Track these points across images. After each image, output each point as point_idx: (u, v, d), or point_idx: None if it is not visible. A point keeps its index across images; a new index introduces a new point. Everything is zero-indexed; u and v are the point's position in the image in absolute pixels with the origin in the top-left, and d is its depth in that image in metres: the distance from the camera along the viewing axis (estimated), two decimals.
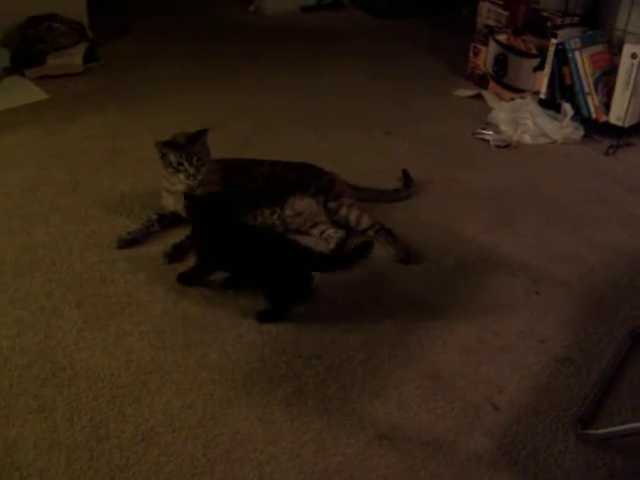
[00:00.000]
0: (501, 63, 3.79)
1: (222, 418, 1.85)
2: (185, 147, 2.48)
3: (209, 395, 1.91)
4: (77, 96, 3.78)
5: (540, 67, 3.59)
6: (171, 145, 2.49)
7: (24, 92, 3.84)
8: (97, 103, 3.69)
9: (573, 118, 3.40)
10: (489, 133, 3.39)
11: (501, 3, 3.89)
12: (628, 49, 3.21)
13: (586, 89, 3.42)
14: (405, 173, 2.91)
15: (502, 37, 3.81)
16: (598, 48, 3.49)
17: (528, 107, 3.49)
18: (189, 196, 2.34)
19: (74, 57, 4.12)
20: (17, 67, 4.06)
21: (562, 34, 3.46)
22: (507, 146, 3.33)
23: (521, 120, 3.42)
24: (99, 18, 4.56)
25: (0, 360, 2.02)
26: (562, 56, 3.45)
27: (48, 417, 1.84)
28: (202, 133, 2.54)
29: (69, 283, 2.33)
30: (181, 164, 2.47)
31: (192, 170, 2.47)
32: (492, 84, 3.86)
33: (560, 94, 3.52)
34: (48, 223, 2.63)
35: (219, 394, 1.92)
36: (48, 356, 2.04)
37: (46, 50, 4.13)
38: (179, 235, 2.51)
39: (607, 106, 3.40)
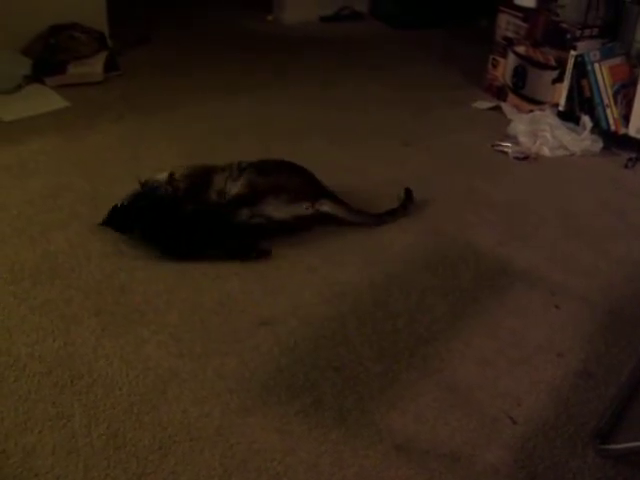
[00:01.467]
0: (520, 75, 3.79)
1: (239, 428, 1.84)
2: None
3: (226, 404, 1.91)
4: (97, 105, 3.81)
5: (559, 79, 3.59)
6: None
7: (45, 100, 3.88)
8: (117, 112, 3.72)
9: (592, 130, 3.40)
10: (508, 145, 3.39)
11: (520, 15, 3.89)
12: None
13: (605, 101, 3.42)
14: (408, 192, 2.85)
15: (521, 49, 3.81)
16: (617, 60, 3.48)
17: (547, 119, 3.49)
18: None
19: (94, 66, 4.15)
20: (38, 75, 4.09)
21: (581, 46, 3.46)
22: (526, 158, 3.32)
23: (540, 132, 3.42)
24: (119, 28, 4.60)
25: (19, 367, 2.03)
26: (581, 68, 3.45)
27: (66, 424, 1.85)
28: None
29: (88, 291, 2.34)
30: None
31: None
32: (511, 96, 3.86)
33: (579, 106, 3.52)
34: (68, 230, 2.64)
35: (236, 403, 1.91)
36: (67, 363, 2.04)
37: (67, 59, 4.17)
38: None
39: (626, 118, 3.39)
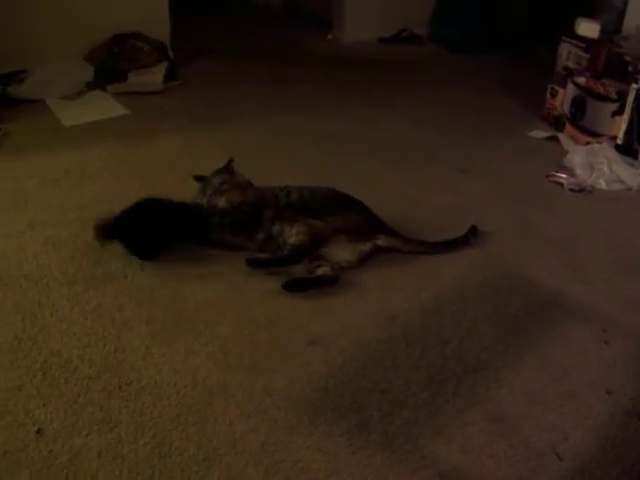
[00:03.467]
0: (579, 106, 3.76)
1: (284, 445, 1.84)
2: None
3: (273, 421, 1.91)
4: (156, 114, 3.88)
5: (619, 112, 3.54)
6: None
7: (105, 107, 3.95)
8: (175, 122, 3.77)
9: None
10: (563, 176, 3.35)
11: (582, 45, 3.86)
12: None
13: None
14: (473, 229, 2.81)
15: (581, 80, 3.77)
16: None
17: (604, 152, 3.45)
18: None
19: (155, 75, 4.22)
20: (99, 82, 4.18)
21: None
22: (581, 190, 3.28)
23: (596, 165, 3.38)
24: (181, 39, 4.67)
25: (69, 369, 2.06)
26: None
27: (113, 429, 1.87)
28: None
29: (140, 298, 2.37)
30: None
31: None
32: (568, 127, 3.82)
33: (638, 140, 3.47)
34: None
35: (282, 421, 1.92)
36: (116, 369, 2.07)
37: (128, 67, 4.25)
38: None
39: None
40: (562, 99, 3.88)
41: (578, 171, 3.37)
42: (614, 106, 3.57)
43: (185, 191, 2.81)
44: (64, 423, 1.88)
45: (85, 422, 1.89)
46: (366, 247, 2.61)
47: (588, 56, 3.82)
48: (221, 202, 2.66)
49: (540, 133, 3.87)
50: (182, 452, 1.81)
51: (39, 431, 1.85)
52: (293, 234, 2.56)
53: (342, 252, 2.57)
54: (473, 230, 2.79)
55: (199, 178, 2.79)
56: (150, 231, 2.56)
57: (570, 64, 3.91)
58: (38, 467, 1.75)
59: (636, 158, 3.42)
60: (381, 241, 2.64)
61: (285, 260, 2.54)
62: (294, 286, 2.45)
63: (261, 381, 2.05)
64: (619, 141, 3.53)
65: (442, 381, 2.10)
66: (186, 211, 2.66)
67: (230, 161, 2.81)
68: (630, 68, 3.57)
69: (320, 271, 2.51)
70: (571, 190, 3.29)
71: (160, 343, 2.17)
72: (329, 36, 5.50)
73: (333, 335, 2.25)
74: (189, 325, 2.26)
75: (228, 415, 1.92)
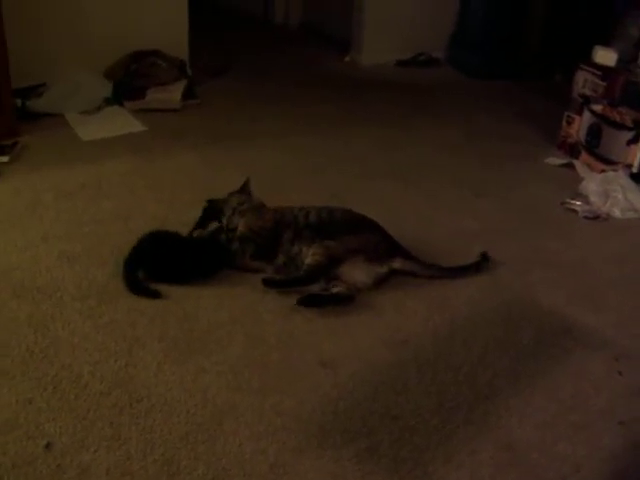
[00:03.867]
0: (594, 133, 3.76)
1: (293, 467, 1.84)
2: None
3: (282, 442, 1.90)
4: (173, 131, 3.90)
5: (634, 140, 3.54)
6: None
7: (123, 123, 3.98)
8: (192, 140, 3.80)
9: None
10: (578, 204, 3.35)
11: (599, 73, 3.86)
12: None
13: None
14: (485, 256, 2.79)
15: (597, 107, 3.77)
16: None
17: (619, 180, 3.44)
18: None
19: (173, 93, 4.25)
20: (118, 98, 4.21)
21: None
22: (596, 218, 3.28)
23: (611, 193, 3.37)
24: (200, 57, 4.70)
25: (80, 385, 2.06)
26: None
27: (122, 446, 1.86)
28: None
29: (153, 315, 2.37)
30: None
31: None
32: (584, 154, 3.82)
33: None
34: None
35: (292, 443, 1.91)
36: (127, 385, 2.07)
37: (147, 84, 4.28)
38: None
39: None
40: (578, 126, 3.88)
41: (593, 199, 3.37)
42: (630, 134, 3.57)
43: (201, 208, 2.83)
44: (73, 438, 1.88)
45: (94, 438, 1.88)
46: (382, 269, 2.61)
47: (605, 84, 3.83)
48: (240, 227, 2.68)
49: (556, 160, 3.87)
50: (191, 471, 1.81)
51: (48, 445, 1.85)
52: (309, 255, 2.56)
53: (358, 273, 2.57)
54: (485, 257, 2.79)
55: (211, 202, 2.80)
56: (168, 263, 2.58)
57: (586, 91, 3.92)
58: None
59: None
60: (397, 264, 2.64)
61: (301, 280, 2.54)
62: (309, 302, 2.45)
63: (271, 402, 2.04)
64: (634, 169, 3.52)
65: (453, 408, 2.09)
66: (202, 246, 2.67)
67: (247, 181, 2.82)
68: None
69: (335, 290, 2.51)
70: (586, 217, 3.28)
71: (171, 361, 2.17)
72: (347, 58, 5.52)
73: (344, 357, 2.24)
74: (201, 344, 2.26)
75: (238, 435, 1.92)
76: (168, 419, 1.96)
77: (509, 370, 2.27)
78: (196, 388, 2.07)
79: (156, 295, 2.47)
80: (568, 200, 3.39)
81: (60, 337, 2.25)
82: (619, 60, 3.86)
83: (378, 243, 2.65)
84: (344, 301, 2.50)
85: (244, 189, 2.81)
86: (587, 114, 3.82)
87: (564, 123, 3.98)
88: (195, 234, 2.70)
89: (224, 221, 2.71)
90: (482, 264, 2.76)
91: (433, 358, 2.28)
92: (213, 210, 2.76)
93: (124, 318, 2.35)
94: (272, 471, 1.82)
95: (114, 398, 2.02)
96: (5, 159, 3.40)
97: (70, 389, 2.04)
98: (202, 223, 2.73)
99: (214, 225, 2.71)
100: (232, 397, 2.05)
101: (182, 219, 2.90)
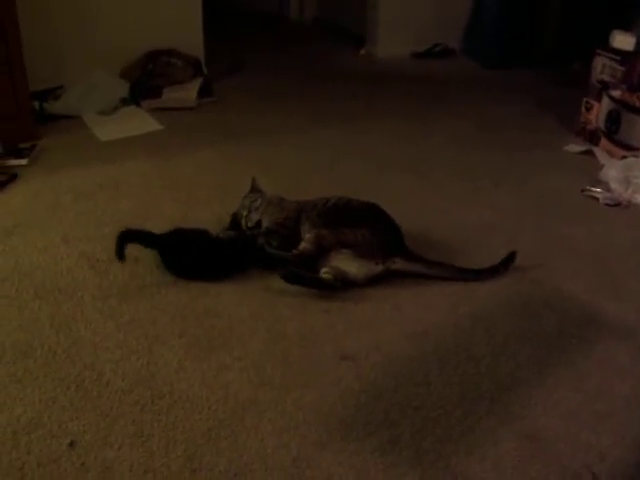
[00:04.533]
0: (614, 119, 3.72)
1: (315, 461, 1.83)
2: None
3: (304, 437, 1.90)
4: (190, 130, 3.91)
5: None
6: None
7: (140, 122, 4.00)
8: (209, 138, 3.80)
9: None
10: (599, 191, 3.32)
11: (617, 58, 3.83)
12: None
13: None
14: (510, 255, 2.67)
15: (616, 93, 3.74)
16: None
17: None
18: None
19: (189, 92, 4.26)
20: (134, 98, 4.23)
21: None
22: (617, 205, 3.24)
23: (633, 179, 3.33)
24: (215, 55, 4.71)
25: (102, 382, 2.07)
26: None
27: (145, 443, 1.87)
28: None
29: (173, 312, 2.38)
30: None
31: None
32: (603, 141, 3.79)
33: None
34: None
35: (314, 437, 1.90)
36: (149, 383, 2.07)
37: (163, 83, 4.30)
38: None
39: None
40: (597, 113, 3.84)
41: (614, 185, 3.33)
42: None
43: (218, 206, 2.84)
44: (96, 436, 1.88)
45: (117, 435, 1.89)
46: (377, 267, 2.56)
47: (623, 69, 3.79)
48: (265, 223, 2.69)
49: (575, 147, 3.84)
50: (213, 467, 1.81)
51: (72, 443, 1.86)
52: (303, 240, 2.59)
53: (346, 265, 2.54)
54: (505, 261, 2.67)
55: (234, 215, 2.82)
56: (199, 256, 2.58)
57: (605, 77, 3.88)
58: (70, 479, 1.76)
59: None
60: (397, 265, 2.58)
61: (288, 263, 2.54)
62: (292, 278, 2.48)
63: (293, 396, 2.04)
64: None
65: (475, 399, 2.07)
66: (229, 245, 2.66)
67: (253, 180, 2.84)
68: None
69: (324, 275, 2.52)
70: (607, 205, 3.25)
71: (193, 358, 2.18)
72: (362, 51, 5.52)
73: (365, 350, 2.23)
74: (221, 340, 2.26)
75: (260, 430, 1.92)
76: (190, 415, 1.96)
77: (532, 360, 2.25)
78: (218, 384, 2.07)
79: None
80: (588, 187, 3.36)
81: (82, 337, 2.26)
82: (637, 44, 3.82)
83: (374, 241, 2.59)
84: (327, 288, 2.49)
85: (254, 188, 2.83)
86: (606, 100, 3.78)
87: (583, 110, 3.95)
88: (222, 234, 2.71)
89: (242, 222, 2.74)
90: (500, 268, 2.65)
91: (454, 349, 2.27)
92: (236, 220, 2.80)
93: (145, 316, 2.36)
94: (294, 465, 1.82)
95: (136, 395, 2.03)
96: (24, 162, 3.43)
97: (92, 387, 2.05)
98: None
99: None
100: (254, 392, 2.05)
101: (200, 217, 2.93)
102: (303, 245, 2.57)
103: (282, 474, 1.79)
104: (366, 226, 2.60)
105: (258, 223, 2.72)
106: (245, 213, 2.75)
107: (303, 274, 2.50)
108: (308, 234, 2.59)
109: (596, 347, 2.33)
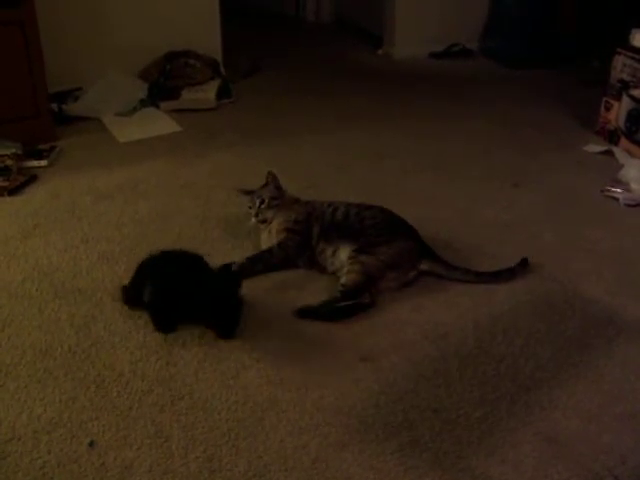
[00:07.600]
0: (634, 119, 3.69)
1: (335, 462, 1.83)
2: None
3: (324, 437, 1.90)
4: (209, 131, 3.92)
5: None
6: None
7: (159, 124, 4.01)
8: (227, 139, 3.81)
9: None
10: (619, 191, 3.29)
11: (638, 57, 3.79)
12: None
13: None
14: (523, 261, 2.66)
15: (637, 92, 3.71)
16: None
17: None
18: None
19: (208, 93, 4.27)
20: (153, 99, 4.24)
21: None
22: (637, 205, 3.22)
23: None
24: (233, 56, 4.72)
25: (122, 382, 2.08)
26: None
27: (164, 443, 1.87)
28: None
29: None
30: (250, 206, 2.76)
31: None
32: (623, 140, 3.76)
33: None
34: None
35: (334, 437, 1.90)
36: (168, 383, 2.08)
37: (181, 85, 4.31)
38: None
39: None
40: (617, 112, 3.81)
41: (634, 185, 3.31)
42: None
43: (236, 207, 2.83)
44: (116, 436, 1.89)
45: (137, 435, 1.90)
46: (411, 274, 2.56)
47: None
48: (274, 223, 2.69)
49: (594, 147, 3.81)
50: (232, 467, 1.81)
51: (92, 443, 1.87)
52: (344, 272, 2.51)
53: (390, 285, 2.53)
54: (522, 263, 2.66)
55: (247, 192, 2.81)
56: (173, 304, 2.31)
57: (625, 76, 3.85)
58: (90, 479, 1.77)
59: None
60: (424, 266, 2.58)
61: (339, 301, 2.44)
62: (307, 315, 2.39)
63: (312, 397, 2.04)
64: None
65: (495, 400, 2.06)
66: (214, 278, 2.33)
67: (268, 174, 2.80)
68: None
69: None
70: (627, 205, 3.22)
71: (212, 359, 2.18)
72: (380, 51, 5.51)
73: (384, 352, 2.23)
74: (240, 341, 2.26)
75: (279, 431, 1.92)
76: (209, 416, 1.96)
77: (552, 361, 2.23)
78: (237, 385, 2.08)
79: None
80: (608, 187, 3.33)
81: (101, 337, 2.27)
82: None
83: (408, 249, 2.58)
84: (364, 309, 2.43)
85: (275, 184, 2.80)
86: (626, 99, 3.75)
87: (602, 109, 3.92)
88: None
89: (253, 210, 2.73)
90: (517, 270, 2.64)
91: (474, 350, 2.26)
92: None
93: None
94: (314, 466, 1.82)
95: (155, 396, 2.03)
96: (44, 163, 3.45)
97: (112, 388, 2.06)
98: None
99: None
100: (273, 393, 2.05)
101: (219, 216, 2.94)
102: (349, 278, 2.46)
103: (302, 475, 1.79)
104: (393, 236, 2.59)
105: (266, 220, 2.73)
106: (258, 201, 2.72)
107: (333, 307, 2.41)
108: (348, 265, 2.50)
109: (617, 348, 2.31)
